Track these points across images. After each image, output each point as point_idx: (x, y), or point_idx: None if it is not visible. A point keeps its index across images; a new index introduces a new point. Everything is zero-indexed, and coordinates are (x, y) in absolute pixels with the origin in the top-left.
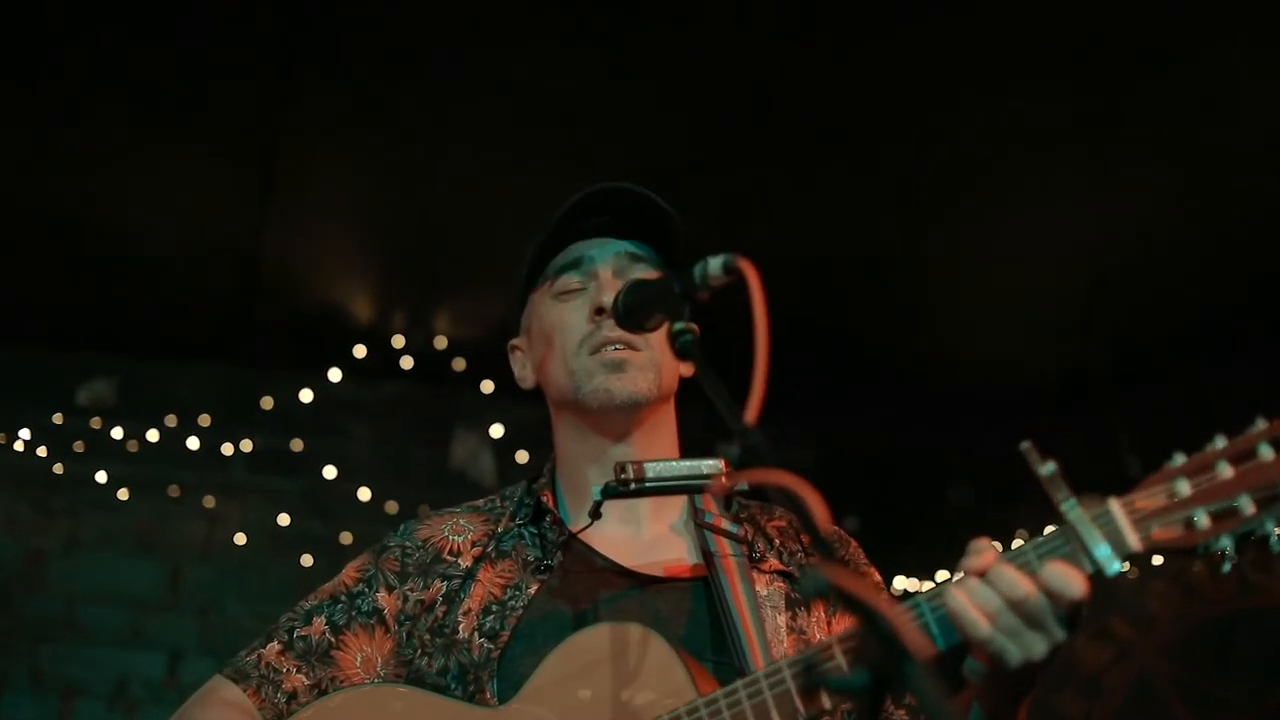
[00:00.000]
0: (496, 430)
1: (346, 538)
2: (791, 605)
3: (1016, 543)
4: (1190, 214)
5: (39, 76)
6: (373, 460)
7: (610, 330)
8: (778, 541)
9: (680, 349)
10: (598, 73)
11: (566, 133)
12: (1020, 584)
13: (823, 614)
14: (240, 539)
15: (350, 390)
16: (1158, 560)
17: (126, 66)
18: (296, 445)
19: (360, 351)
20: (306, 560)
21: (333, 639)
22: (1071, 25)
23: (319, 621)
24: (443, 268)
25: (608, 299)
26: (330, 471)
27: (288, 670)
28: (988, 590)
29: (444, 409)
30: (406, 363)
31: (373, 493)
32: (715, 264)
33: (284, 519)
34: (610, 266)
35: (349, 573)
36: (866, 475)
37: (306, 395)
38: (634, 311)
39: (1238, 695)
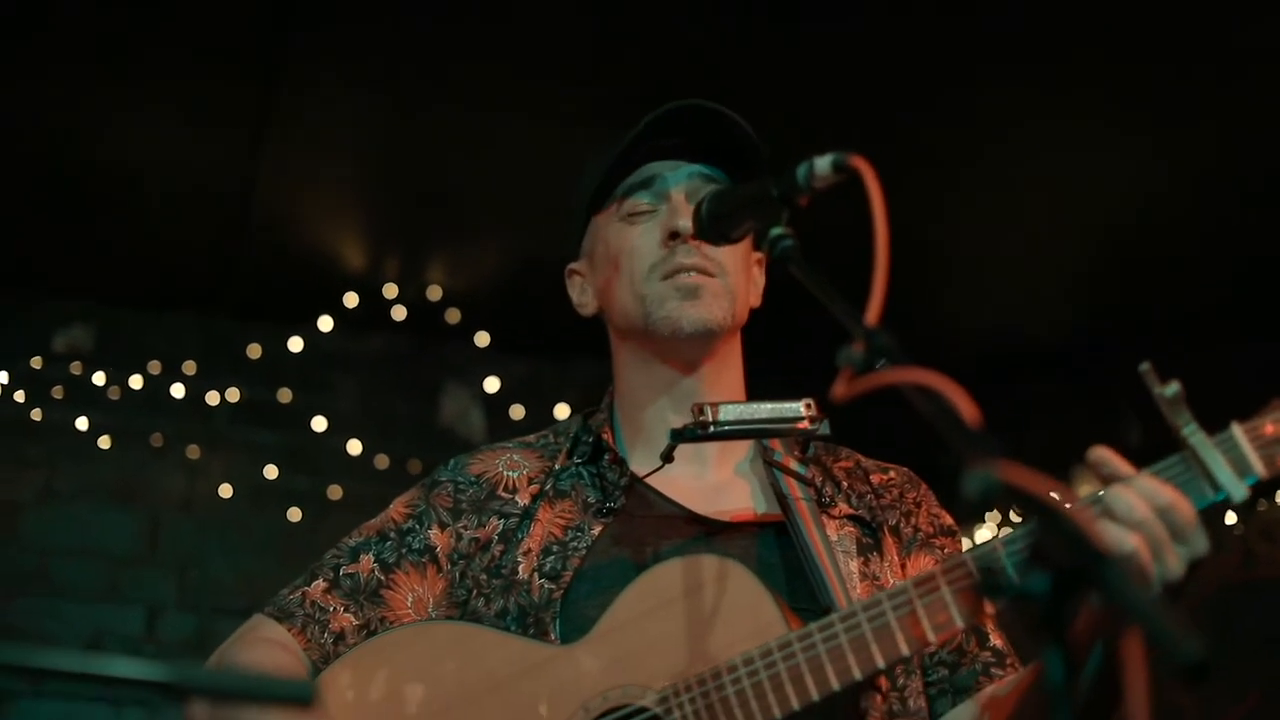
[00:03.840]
0: (491, 385)
1: (335, 492)
2: (863, 551)
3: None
4: (1204, 182)
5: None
6: (363, 413)
7: (685, 256)
8: (845, 484)
9: (781, 255)
10: (605, 25)
11: (569, 82)
12: (1163, 491)
13: (895, 557)
14: (224, 492)
15: (341, 341)
16: None
17: None
18: (284, 396)
19: (351, 300)
20: (294, 515)
21: (382, 577)
22: None
23: (367, 559)
24: (439, 215)
25: (682, 223)
26: (319, 424)
27: (334, 609)
28: (1130, 496)
29: (437, 362)
30: (399, 313)
31: (363, 446)
32: (823, 163)
33: (271, 471)
34: (683, 189)
35: (397, 509)
36: (862, 442)
37: (296, 344)
38: (720, 220)
39: (1238, 667)
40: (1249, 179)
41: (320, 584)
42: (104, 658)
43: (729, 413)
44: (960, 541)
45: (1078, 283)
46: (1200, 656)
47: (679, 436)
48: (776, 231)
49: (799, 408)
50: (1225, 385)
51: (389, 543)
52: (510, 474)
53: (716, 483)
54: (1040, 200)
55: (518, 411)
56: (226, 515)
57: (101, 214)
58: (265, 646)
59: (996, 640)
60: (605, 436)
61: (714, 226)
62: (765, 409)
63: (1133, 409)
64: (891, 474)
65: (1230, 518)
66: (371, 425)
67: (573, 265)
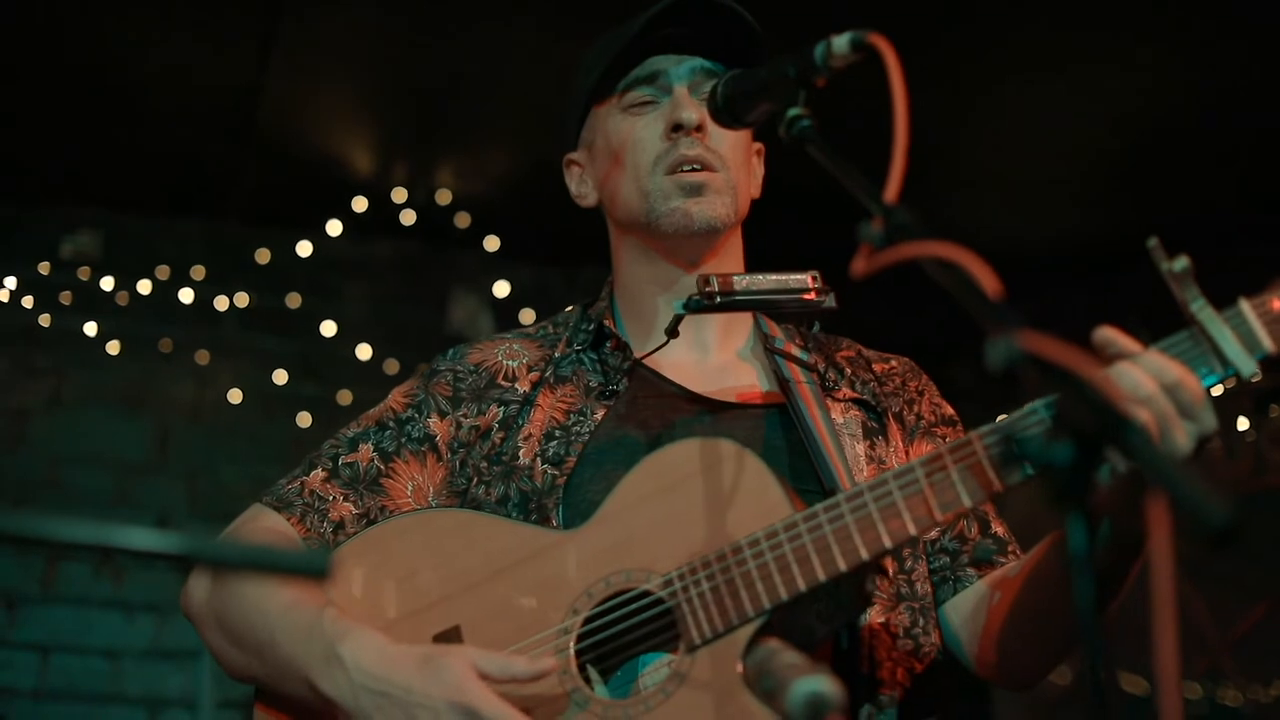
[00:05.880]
0: (501, 289)
1: (345, 398)
2: (869, 434)
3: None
4: (1219, 88)
5: None
6: (372, 318)
7: (688, 148)
8: (848, 371)
9: (799, 134)
10: None
11: None
12: (1170, 367)
13: (900, 443)
14: (234, 398)
15: (349, 245)
16: None
17: None
18: (293, 301)
19: (360, 205)
20: (304, 420)
21: (381, 466)
22: None
23: (366, 448)
24: (448, 119)
25: (685, 115)
26: (329, 329)
27: (334, 498)
28: (1137, 374)
29: (446, 266)
30: (408, 218)
31: (372, 351)
32: (841, 42)
33: (280, 377)
34: (686, 82)
35: (396, 398)
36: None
37: (304, 249)
38: (735, 102)
39: (1249, 576)
40: (1264, 86)
41: (319, 473)
42: (119, 529)
43: (735, 283)
44: (962, 432)
45: (1088, 186)
46: (1229, 520)
47: (686, 307)
48: (794, 112)
49: (805, 279)
50: (1242, 290)
51: (388, 432)
52: (510, 363)
53: (718, 365)
54: (1053, 107)
55: (527, 316)
56: (236, 421)
57: (109, 119)
58: (264, 535)
59: (998, 528)
60: (607, 323)
61: (729, 109)
62: (771, 280)
63: (1142, 322)
64: (893, 363)
65: (1242, 424)
66: (381, 330)
67: (571, 155)
